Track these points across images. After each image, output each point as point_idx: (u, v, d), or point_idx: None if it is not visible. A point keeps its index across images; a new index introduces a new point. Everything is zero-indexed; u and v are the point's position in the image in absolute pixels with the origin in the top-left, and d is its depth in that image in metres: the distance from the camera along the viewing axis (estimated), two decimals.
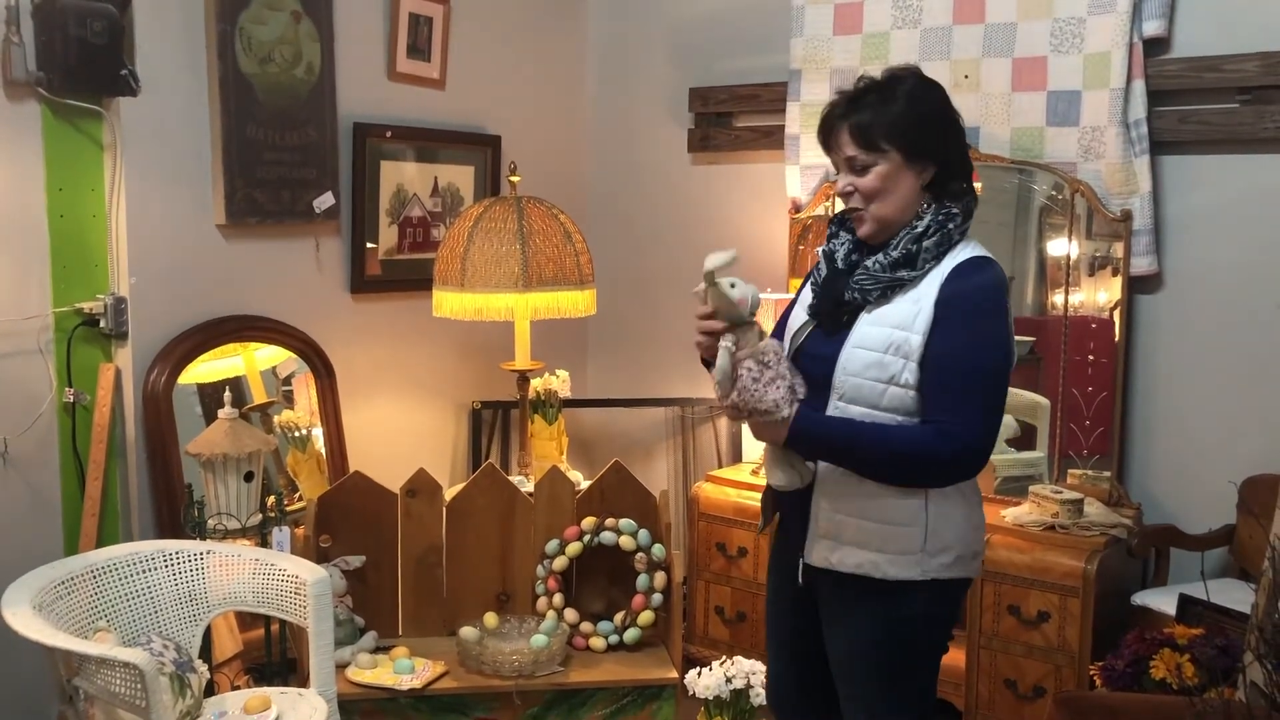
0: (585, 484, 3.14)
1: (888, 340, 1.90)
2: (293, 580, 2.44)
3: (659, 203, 4.21)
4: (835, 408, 1.94)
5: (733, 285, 1.92)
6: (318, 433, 3.45)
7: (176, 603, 2.48)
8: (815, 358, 1.99)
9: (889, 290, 1.93)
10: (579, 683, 2.77)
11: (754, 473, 3.62)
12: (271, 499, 2.90)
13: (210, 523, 2.72)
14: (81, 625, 2.29)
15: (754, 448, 3.97)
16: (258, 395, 3.42)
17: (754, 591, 3.48)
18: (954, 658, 3.12)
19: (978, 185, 3.44)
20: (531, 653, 2.76)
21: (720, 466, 4.01)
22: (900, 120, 1.91)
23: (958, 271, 1.91)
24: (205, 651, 2.67)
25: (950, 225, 1.93)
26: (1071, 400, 3.32)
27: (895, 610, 1.97)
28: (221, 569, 2.52)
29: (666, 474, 4.20)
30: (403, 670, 2.73)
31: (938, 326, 1.87)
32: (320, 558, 2.93)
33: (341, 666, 2.76)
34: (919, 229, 1.92)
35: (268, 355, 3.44)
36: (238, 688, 2.78)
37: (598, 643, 2.94)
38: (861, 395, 1.92)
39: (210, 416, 3.12)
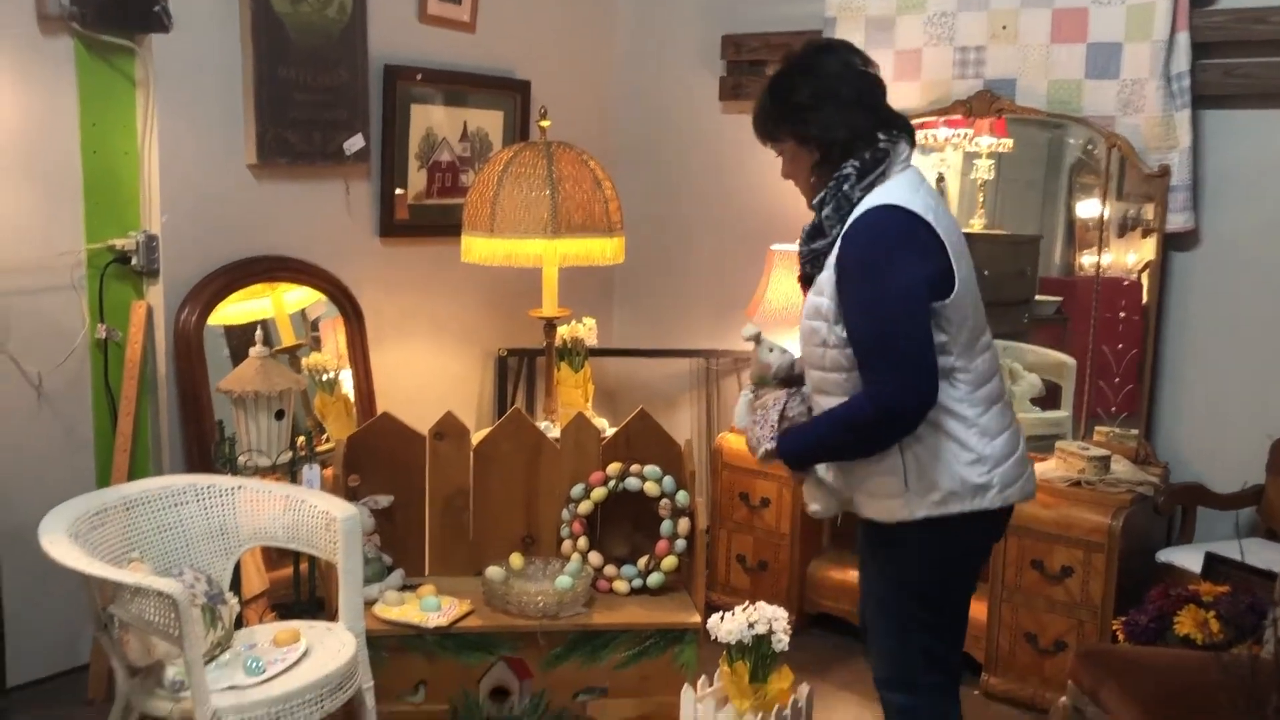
0: (610, 431, 3.15)
1: (814, 307, 2.00)
2: (323, 516, 2.46)
3: (688, 151, 4.18)
4: (808, 375, 2.08)
5: (770, 350, 2.18)
6: (345, 376, 3.47)
7: (208, 536, 2.51)
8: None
9: (817, 259, 2.02)
10: (603, 624, 2.80)
11: None
12: (301, 438, 2.93)
13: (241, 459, 2.75)
14: (115, 555, 2.32)
15: None
16: (286, 338, 3.44)
17: (776, 541, 3.50)
18: (975, 610, 3.14)
19: (997, 140, 3.45)
20: (556, 594, 2.79)
21: None
22: (774, 113, 2.04)
23: (845, 235, 1.94)
24: (235, 586, 2.70)
25: (845, 186, 1.97)
26: (1100, 358, 3.30)
27: (896, 551, 2.05)
28: (252, 504, 2.54)
29: (690, 424, 4.21)
30: (429, 608, 2.77)
31: (839, 294, 1.93)
32: (349, 497, 2.96)
33: (369, 603, 2.79)
34: (818, 200, 2.02)
35: (296, 298, 3.45)
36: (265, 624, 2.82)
37: (621, 586, 2.96)
38: (811, 360, 2.03)
39: (238, 358, 3.15)
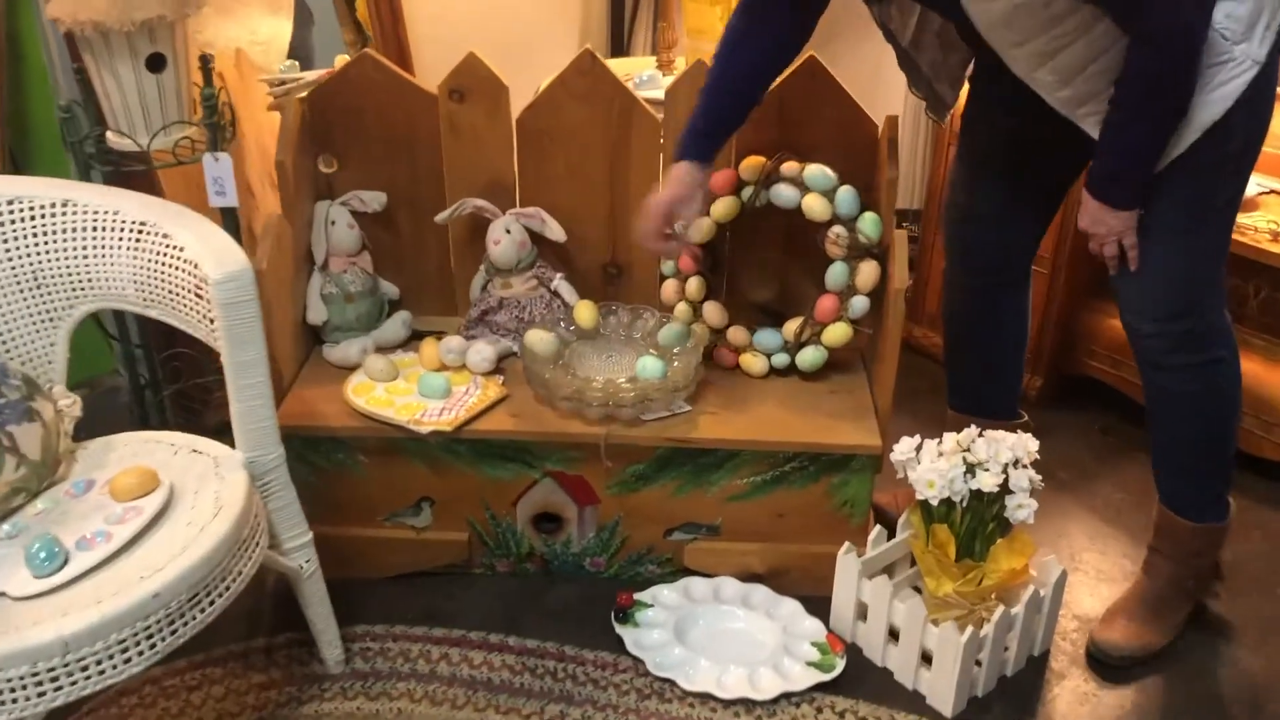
0: None
1: None
2: (188, 272, 1.35)
3: None
4: (1016, 54, 1.48)
5: (508, 231, 1.78)
6: None
7: (13, 295, 1.45)
8: None
9: None
10: (709, 441, 1.66)
11: None
12: (195, 95, 1.71)
13: (110, 138, 1.62)
14: None
15: None
16: None
17: None
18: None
19: None
20: (637, 386, 1.65)
21: None
22: None
23: None
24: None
25: None
26: None
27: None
28: (89, 237, 1.44)
29: (856, 78, 2.77)
30: (431, 391, 1.70)
31: None
32: (320, 192, 1.84)
33: (348, 369, 1.77)
34: None
35: None
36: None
37: (754, 363, 1.80)
38: (1030, 27, 1.43)
39: None
